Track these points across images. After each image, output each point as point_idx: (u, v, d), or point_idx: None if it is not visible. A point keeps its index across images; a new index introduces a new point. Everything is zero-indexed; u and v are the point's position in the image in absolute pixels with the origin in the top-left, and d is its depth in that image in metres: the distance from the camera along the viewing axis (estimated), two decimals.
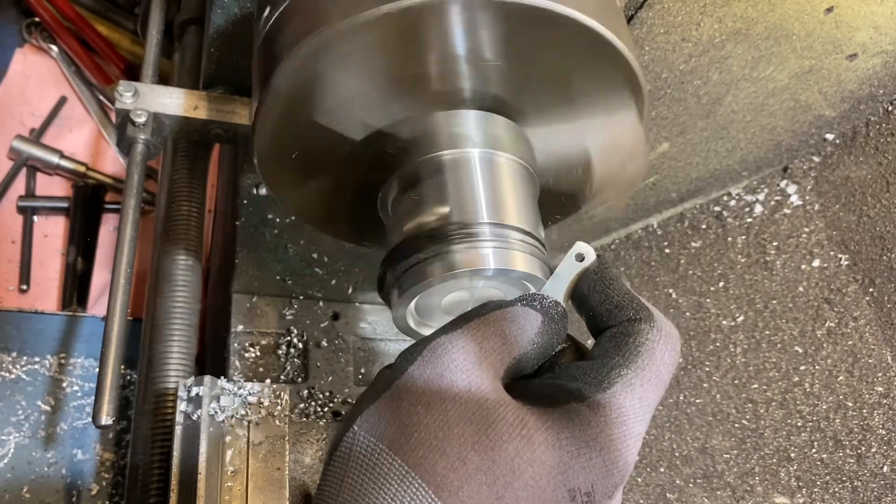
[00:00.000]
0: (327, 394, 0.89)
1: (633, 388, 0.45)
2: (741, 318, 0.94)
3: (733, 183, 1.00)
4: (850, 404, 0.85)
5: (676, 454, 0.92)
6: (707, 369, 0.94)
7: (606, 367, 0.45)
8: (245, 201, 0.81)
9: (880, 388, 0.84)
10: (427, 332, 0.59)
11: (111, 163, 1.26)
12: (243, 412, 0.76)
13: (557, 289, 0.50)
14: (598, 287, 0.49)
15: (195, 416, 0.74)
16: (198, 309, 0.86)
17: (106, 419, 0.61)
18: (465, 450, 0.42)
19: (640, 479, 0.92)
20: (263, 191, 0.80)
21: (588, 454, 0.43)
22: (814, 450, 0.85)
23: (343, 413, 0.87)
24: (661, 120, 0.84)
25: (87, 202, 1.20)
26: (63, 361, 1.05)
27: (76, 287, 1.13)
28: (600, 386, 0.44)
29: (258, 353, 0.91)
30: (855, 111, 0.92)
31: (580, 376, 0.46)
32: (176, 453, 0.72)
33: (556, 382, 0.47)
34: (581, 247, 0.50)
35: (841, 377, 0.86)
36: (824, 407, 0.86)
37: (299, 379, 0.91)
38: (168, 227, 0.86)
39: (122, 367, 0.68)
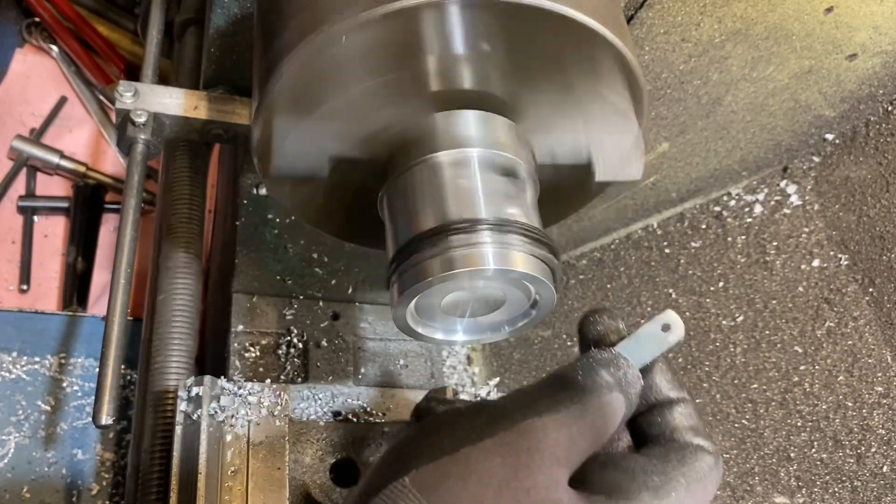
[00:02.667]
0: (327, 394, 0.89)
1: None
2: (741, 318, 0.94)
3: (733, 183, 1.00)
4: (850, 404, 0.85)
5: None
6: (707, 369, 0.94)
7: (667, 478, 0.45)
8: (245, 201, 0.81)
9: (880, 388, 0.84)
10: (427, 331, 0.58)
11: (111, 163, 1.26)
12: (243, 412, 0.76)
13: (634, 352, 0.48)
14: (686, 406, 0.49)
15: (195, 415, 0.74)
16: (198, 309, 0.85)
17: (106, 419, 0.61)
18: None
19: None
20: (263, 191, 0.80)
21: None
22: (814, 450, 0.85)
23: (342, 413, 0.87)
24: (661, 120, 0.84)
25: (87, 202, 1.20)
26: (63, 361, 1.05)
27: (76, 287, 1.13)
28: (657, 493, 0.44)
29: (258, 353, 0.91)
30: (855, 111, 0.92)
31: (637, 472, 0.45)
32: (176, 453, 0.72)
33: (615, 476, 0.45)
34: (670, 317, 0.49)
35: (841, 377, 0.86)
36: (824, 407, 0.86)
37: (299, 379, 0.91)
38: (168, 227, 0.86)
39: (122, 367, 0.68)
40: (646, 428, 0.49)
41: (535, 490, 0.41)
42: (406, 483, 0.41)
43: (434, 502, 0.40)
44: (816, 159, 0.97)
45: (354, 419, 0.86)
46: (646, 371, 0.49)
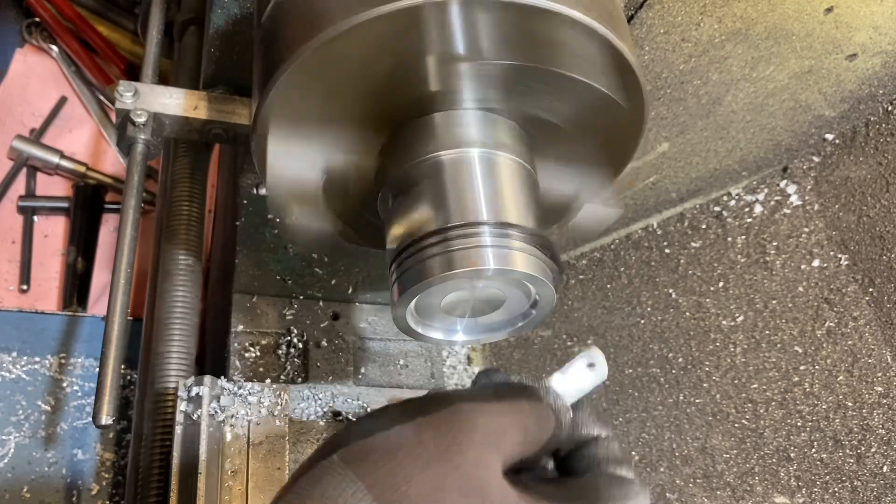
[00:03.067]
0: (327, 394, 0.89)
1: None
2: (741, 318, 0.94)
3: (733, 183, 1.00)
4: (850, 404, 0.85)
5: (676, 454, 0.92)
6: (707, 369, 0.94)
7: (594, 499, 0.46)
8: (245, 201, 0.82)
9: (880, 388, 0.84)
10: (427, 331, 0.59)
11: (111, 163, 1.26)
12: (243, 412, 0.76)
13: (562, 387, 0.50)
14: (611, 442, 0.50)
15: (195, 415, 0.74)
16: (198, 309, 0.85)
17: (106, 419, 0.61)
18: None
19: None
20: (263, 191, 0.80)
21: None
22: (813, 450, 0.85)
23: (342, 413, 0.87)
24: (661, 120, 0.84)
25: (87, 202, 1.20)
26: (63, 361, 1.05)
27: (76, 287, 1.13)
28: None
29: (258, 353, 0.91)
30: (855, 111, 0.92)
31: (563, 495, 0.46)
32: (176, 453, 0.72)
33: (547, 487, 0.47)
34: (594, 354, 0.51)
35: (841, 377, 0.86)
36: (824, 407, 0.86)
37: (299, 379, 0.91)
38: (168, 227, 0.86)
39: (122, 367, 0.68)
40: (574, 464, 0.50)
41: (464, 467, 0.41)
42: (334, 459, 0.41)
43: (361, 474, 0.40)
44: (816, 159, 0.97)
45: (354, 419, 0.86)
46: (573, 409, 0.51)
